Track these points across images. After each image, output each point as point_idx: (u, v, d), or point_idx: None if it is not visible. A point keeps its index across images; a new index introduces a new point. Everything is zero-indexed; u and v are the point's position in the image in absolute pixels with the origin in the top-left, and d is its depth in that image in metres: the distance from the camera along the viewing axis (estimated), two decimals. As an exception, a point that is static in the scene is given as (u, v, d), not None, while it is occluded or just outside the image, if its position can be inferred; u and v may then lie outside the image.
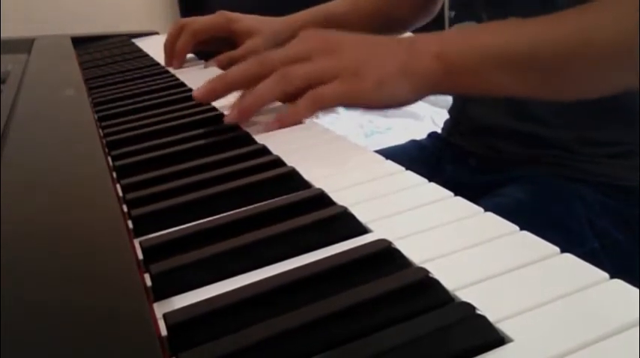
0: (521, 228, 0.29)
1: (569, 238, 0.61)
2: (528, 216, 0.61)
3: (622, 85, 0.52)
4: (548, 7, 0.49)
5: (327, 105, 0.49)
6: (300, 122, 0.50)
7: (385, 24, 0.87)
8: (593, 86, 0.52)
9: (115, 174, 0.41)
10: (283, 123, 0.49)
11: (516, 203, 0.64)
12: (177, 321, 0.23)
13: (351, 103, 0.49)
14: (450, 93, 0.59)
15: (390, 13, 0.88)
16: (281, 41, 0.81)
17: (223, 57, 0.80)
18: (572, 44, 0.48)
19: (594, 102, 0.55)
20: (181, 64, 0.81)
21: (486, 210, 0.31)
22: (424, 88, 0.50)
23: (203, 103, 0.55)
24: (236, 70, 0.52)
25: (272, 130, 0.49)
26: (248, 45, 0.81)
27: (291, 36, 0.83)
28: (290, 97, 0.50)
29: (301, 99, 0.48)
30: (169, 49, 0.81)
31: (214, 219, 0.33)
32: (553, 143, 0.68)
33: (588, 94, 0.54)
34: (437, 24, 0.84)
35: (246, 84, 0.50)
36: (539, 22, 0.49)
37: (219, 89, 0.53)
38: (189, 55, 0.84)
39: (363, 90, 0.48)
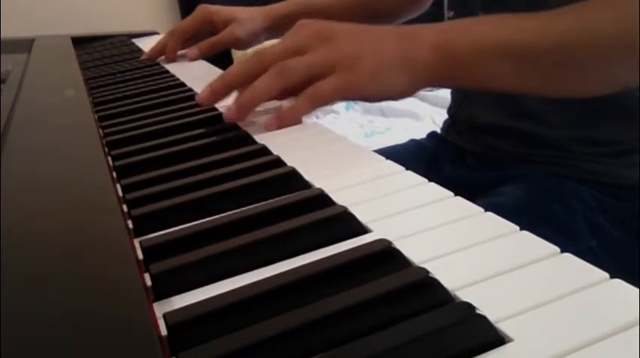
0: (520, 227, 0.29)
1: (566, 236, 0.61)
2: (526, 215, 0.61)
3: (622, 82, 0.52)
4: (544, 7, 0.49)
5: (325, 100, 0.48)
6: (299, 120, 0.50)
7: (370, 16, 0.85)
8: (593, 83, 0.51)
9: (115, 174, 0.41)
10: (283, 121, 0.49)
11: (514, 202, 0.64)
12: (177, 321, 0.23)
13: (349, 96, 0.49)
14: (447, 86, 0.59)
15: (375, 4, 0.86)
16: (258, 28, 0.85)
17: (203, 43, 0.85)
18: (573, 40, 0.47)
19: (591, 102, 0.55)
20: (172, 60, 0.87)
21: (485, 209, 0.31)
22: (422, 80, 0.49)
23: (203, 103, 0.55)
24: (235, 69, 0.52)
25: (272, 129, 0.49)
26: (225, 31, 0.85)
27: (269, 25, 0.87)
28: (289, 93, 0.49)
29: (299, 97, 0.48)
30: (157, 49, 0.87)
31: (214, 219, 0.33)
32: (550, 142, 0.68)
33: (587, 92, 0.53)
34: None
35: (247, 81, 0.50)
36: (540, 17, 0.48)
37: (221, 89, 0.52)
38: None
39: (359, 82, 0.47)
